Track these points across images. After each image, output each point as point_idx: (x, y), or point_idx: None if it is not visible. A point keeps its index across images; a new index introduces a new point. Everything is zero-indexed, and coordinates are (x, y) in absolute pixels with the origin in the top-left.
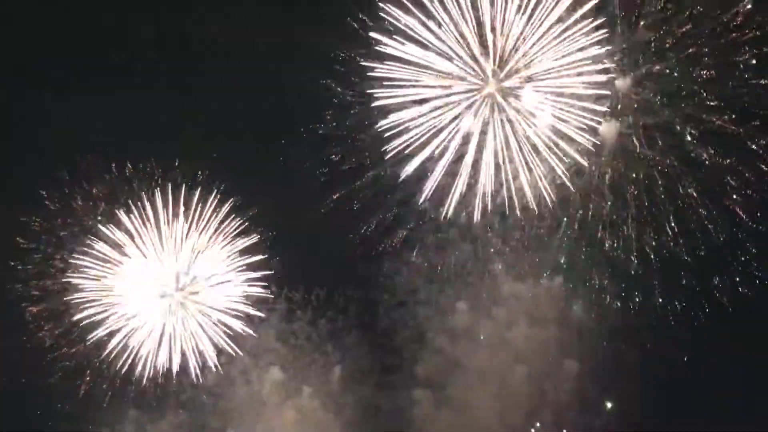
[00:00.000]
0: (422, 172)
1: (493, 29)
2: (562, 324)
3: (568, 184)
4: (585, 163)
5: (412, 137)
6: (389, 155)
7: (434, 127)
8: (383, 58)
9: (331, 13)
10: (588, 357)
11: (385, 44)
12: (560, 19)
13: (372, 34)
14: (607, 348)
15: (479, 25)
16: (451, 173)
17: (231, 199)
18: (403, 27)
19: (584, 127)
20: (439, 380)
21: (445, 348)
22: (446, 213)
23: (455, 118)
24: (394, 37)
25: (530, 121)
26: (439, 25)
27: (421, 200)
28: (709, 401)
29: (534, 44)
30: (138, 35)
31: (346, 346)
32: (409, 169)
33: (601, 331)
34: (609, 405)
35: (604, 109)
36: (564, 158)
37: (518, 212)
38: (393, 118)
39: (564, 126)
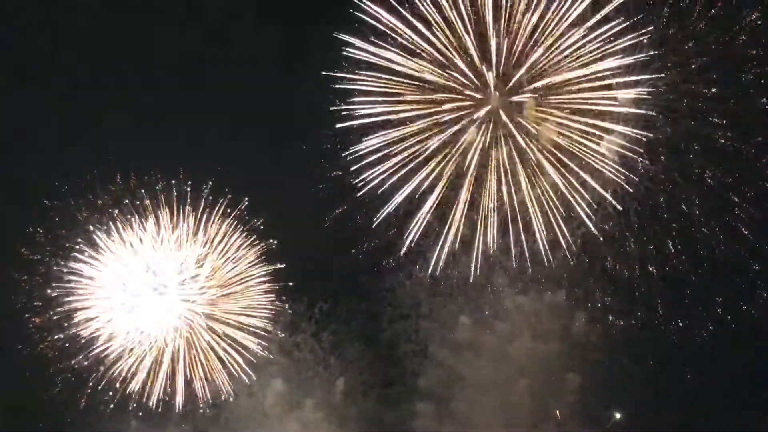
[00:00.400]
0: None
1: (496, 32)
2: (565, 338)
3: (574, 203)
4: (589, 179)
5: (388, 169)
6: (361, 192)
7: (420, 154)
8: (361, 66)
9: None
10: (590, 372)
11: (361, 49)
12: (568, 30)
13: (341, 36)
14: (609, 364)
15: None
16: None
17: (246, 198)
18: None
19: (589, 143)
20: (441, 393)
21: (447, 361)
22: (434, 268)
23: (447, 142)
24: (372, 39)
25: (536, 141)
26: (430, 27)
27: (402, 251)
28: (712, 418)
29: (544, 53)
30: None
31: (349, 358)
32: (384, 212)
33: (603, 347)
34: (618, 416)
35: (608, 125)
36: (568, 175)
37: (521, 228)
38: (367, 143)
39: (568, 143)
